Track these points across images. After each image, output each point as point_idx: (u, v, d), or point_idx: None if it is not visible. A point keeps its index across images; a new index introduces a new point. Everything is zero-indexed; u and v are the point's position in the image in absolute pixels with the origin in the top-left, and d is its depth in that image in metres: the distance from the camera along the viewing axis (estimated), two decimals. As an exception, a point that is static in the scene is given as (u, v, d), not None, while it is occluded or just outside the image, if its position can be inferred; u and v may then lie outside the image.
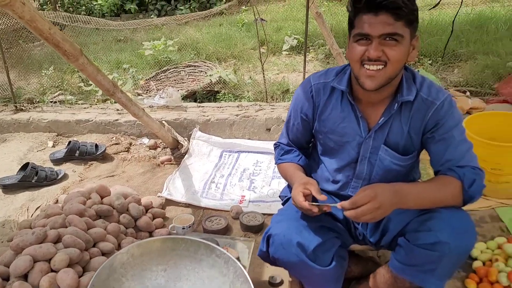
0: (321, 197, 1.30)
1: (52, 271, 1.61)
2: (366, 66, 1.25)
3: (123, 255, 1.42)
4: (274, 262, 1.49)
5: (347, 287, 1.66)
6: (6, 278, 1.59)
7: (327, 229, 1.43)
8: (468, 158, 1.33)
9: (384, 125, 1.39)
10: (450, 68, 4.16)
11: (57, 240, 1.74)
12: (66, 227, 1.82)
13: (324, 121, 1.49)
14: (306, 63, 3.23)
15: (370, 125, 1.42)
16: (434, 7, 2.77)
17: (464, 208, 1.33)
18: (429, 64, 4.15)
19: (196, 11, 6.33)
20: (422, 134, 1.39)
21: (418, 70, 3.07)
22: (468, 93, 3.19)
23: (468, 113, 2.94)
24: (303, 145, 1.65)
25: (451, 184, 1.29)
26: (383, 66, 1.24)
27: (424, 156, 1.48)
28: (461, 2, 2.74)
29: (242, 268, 1.37)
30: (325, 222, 1.45)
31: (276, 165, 1.69)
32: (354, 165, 1.49)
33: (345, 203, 1.22)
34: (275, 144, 1.72)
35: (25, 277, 1.58)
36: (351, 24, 1.29)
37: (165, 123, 2.94)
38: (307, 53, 4.75)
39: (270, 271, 1.87)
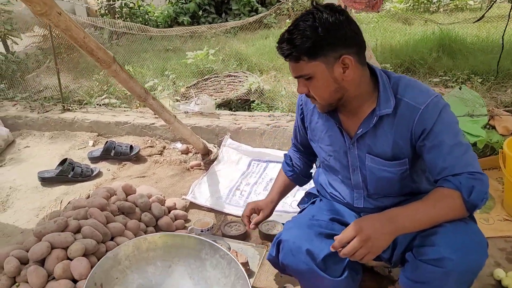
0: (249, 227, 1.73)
1: (68, 259, 1.68)
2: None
3: (128, 247, 1.45)
4: (283, 269, 1.46)
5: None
6: (26, 262, 1.67)
7: None
8: (464, 163, 1.22)
9: (365, 135, 1.36)
10: (503, 87, 3.91)
11: (77, 231, 1.82)
12: (87, 219, 1.89)
13: (314, 130, 1.53)
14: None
15: (352, 134, 1.40)
16: (479, 19, 2.63)
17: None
18: (479, 83, 3.93)
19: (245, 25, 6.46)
20: (412, 141, 1.31)
21: (460, 88, 2.92)
22: (516, 114, 2.97)
23: (514, 134, 2.74)
24: (305, 147, 1.73)
25: (448, 197, 1.19)
26: (313, 99, 1.33)
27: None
28: (509, 15, 2.56)
29: (243, 270, 1.36)
30: (339, 232, 1.39)
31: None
32: (349, 176, 1.47)
33: (335, 244, 1.20)
34: (290, 150, 1.86)
35: (42, 262, 1.66)
36: None
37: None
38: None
39: (284, 281, 1.83)
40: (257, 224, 1.76)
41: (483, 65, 4.16)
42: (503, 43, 2.59)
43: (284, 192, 1.82)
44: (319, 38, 1.19)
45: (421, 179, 1.43)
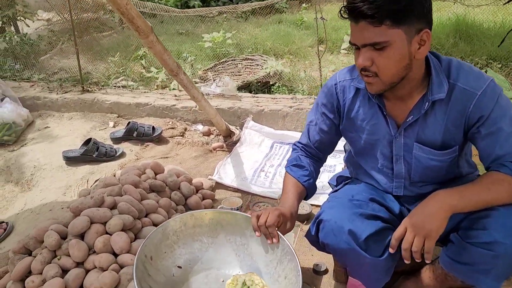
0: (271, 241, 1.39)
1: (107, 233, 1.69)
2: (362, 73, 1.20)
3: (176, 222, 1.45)
4: (322, 247, 1.46)
5: (396, 280, 1.59)
6: (64, 237, 1.69)
7: (380, 219, 1.37)
8: None
9: (415, 123, 1.30)
10: (523, 73, 3.89)
11: (113, 207, 1.82)
12: (122, 196, 1.90)
13: (352, 119, 1.42)
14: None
15: (399, 122, 1.33)
16: (509, 1, 2.59)
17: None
18: (498, 68, 3.90)
19: (256, 10, 6.40)
20: (465, 128, 1.27)
21: (486, 71, 2.89)
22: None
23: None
24: (326, 147, 1.56)
25: (505, 181, 1.17)
26: (373, 75, 1.17)
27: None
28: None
29: (290, 246, 1.36)
30: (379, 212, 1.39)
31: (285, 169, 1.59)
32: (391, 165, 1.41)
33: (392, 243, 1.23)
34: (296, 143, 1.62)
35: (81, 236, 1.67)
36: None
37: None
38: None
39: (314, 259, 1.84)
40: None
41: (501, 50, 4.13)
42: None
43: (300, 200, 1.54)
44: (409, 3, 1.09)
45: (464, 164, 1.42)
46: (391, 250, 1.23)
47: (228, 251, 1.49)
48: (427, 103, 1.25)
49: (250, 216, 1.44)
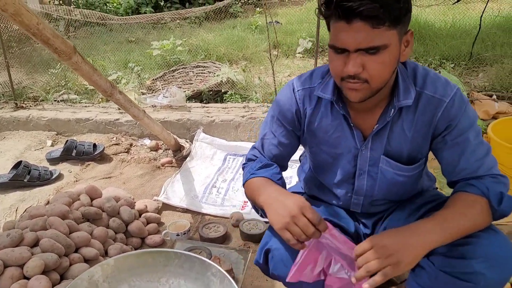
0: (322, 226, 1.04)
1: (25, 277, 1.45)
2: (347, 80, 1.04)
3: (108, 266, 1.24)
4: (274, 277, 1.30)
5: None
6: (-26, 284, 1.44)
7: None
8: (487, 165, 1.10)
9: (381, 133, 1.17)
10: (474, 72, 3.91)
11: (35, 244, 1.59)
12: (47, 229, 1.67)
13: (314, 132, 1.27)
14: (318, 66, 3.05)
15: (365, 133, 1.20)
16: (458, 1, 2.55)
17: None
18: (451, 68, 3.91)
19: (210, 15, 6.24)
20: (432, 138, 1.16)
21: (439, 71, 2.85)
22: (494, 97, 2.94)
23: (494, 117, 2.70)
24: (285, 162, 1.37)
25: (477, 205, 1.05)
26: (364, 82, 1.02)
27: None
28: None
29: None
30: None
31: (243, 184, 1.30)
32: (352, 180, 1.28)
33: (358, 263, 1.00)
34: (247, 161, 1.38)
35: (-7, 284, 1.43)
36: (329, 28, 1.05)
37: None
38: (320, 57, 4.59)
39: (269, 286, 1.68)
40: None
41: (453, 50, 4.16)
42: (480, 23, 2.51)
43: None
44: (407, 1, 0.97)
45: (424, 177, 1.31)
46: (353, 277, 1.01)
47: None
48: (392, 110, 1.13)
49: (193, 255, 1.27)
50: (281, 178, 1.27)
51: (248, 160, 1.37)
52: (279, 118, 1.28)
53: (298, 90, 1.24)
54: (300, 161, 1.60)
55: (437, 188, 1.43)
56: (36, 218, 1.73)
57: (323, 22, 3.50)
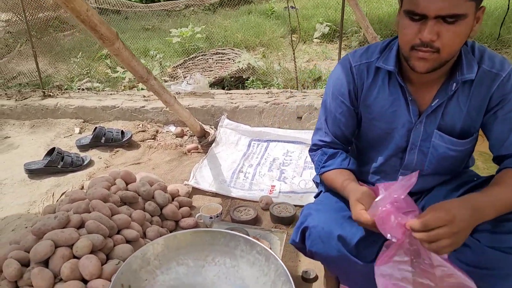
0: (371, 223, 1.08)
1: (74, 257, 1.53)
2: (417, 48, 1.06)
3: (158, 245, 1.30)
4: (310, 255, 1.36)
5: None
6: (26, 264, 1.52)
7: None
8: None
9: (438, 108, 1.20)
10: (501, 53, 3.88)
11: (80, 226, 1.66)
12: (90, 212, 1.74)
13: (369, 107, 1.28)
14: (342, 49, 3.06)
15: (421, 108, 1.23)
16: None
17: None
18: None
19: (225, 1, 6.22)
20: (485, 112, 1.20)
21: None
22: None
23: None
24: (348, 138, 1.39)
25: None
26: (434, 52, 1.04)
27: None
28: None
29: (284, 266, 1.24)
30: None
31: (319, 175, 1.38)
32: (401, 155, 1.30)
33: (415, 224, 0.99)
34: (313, 147, 1.42)
35: (45, 263, 1.51)
36: None
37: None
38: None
39: (303, 265, 1.75)
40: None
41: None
42: (509, 5, 2.49)
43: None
44: None
45: (472, 158, 1.36)
46: (408, 226, 1.01)
47: (218, 275, 1.35)
48: (454, 84, 1.16)
49: (237, 234, 1.32)
50: (349, 162, 1.33)
51: (314, 145, 1.42)
52: (338, 96, 1.31)
53: (355, 65, 1.27)
54: None
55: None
56: (78, 201, 1.80)
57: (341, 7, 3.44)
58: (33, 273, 1.43)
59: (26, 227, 2.09)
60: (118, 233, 1.73)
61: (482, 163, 2.33)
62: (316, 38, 4.65)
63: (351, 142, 1.43)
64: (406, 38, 1.07)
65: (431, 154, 1.26)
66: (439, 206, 1.01)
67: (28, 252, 1.53)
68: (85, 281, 1.47)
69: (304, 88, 3.20)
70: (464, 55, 1.15)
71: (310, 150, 1.44)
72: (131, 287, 1.20)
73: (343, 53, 4.08)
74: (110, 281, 1.44)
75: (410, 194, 1.38)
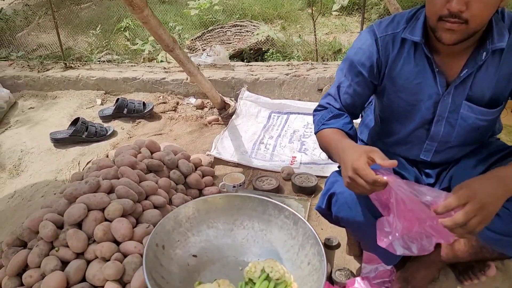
0: (390, 163, 0.99)
1: (106, 220, 1.59)
2: (445, 19, 1.03)
3: (189, 208, 1.35)
4: (336, 221, 1.38)
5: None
6: (60, 226, 1.58)
7: None
8: None
9: (467, 78, 1.17)
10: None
11: (110, 191, 1.71)
12: (118, 178, 1.79)
13: (394, 78, 1.26)
14: (359, 26, 3.01)
15: (448, 79, 1.20)
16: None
17: None
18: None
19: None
20: None
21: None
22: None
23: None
24: (357, 109, 1.37)
25: None
26: (462, 23, 1.01)
27: None
28: None
29: (312, 229, 1.27)
30: None
31: (315, 133, 1.33)
32: (427, 126, 1.28)
33: (439, 207, 0.96)
34: (318, 107, 1.39)
35: (79, 225, 1.57)
36: None
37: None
38: (359, 15, 4.50)
39: (326, 233, 1.78)
40: None
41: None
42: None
43: None
44: None
45: (497, 123, 1.34)
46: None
47: (246, 238, 1.39)
48: (484, 53, 1.12)
49: (266, 199, 1.35)
50: (352, 127, 1.30)
51: (320, 106, 1.38)
52: (357, 66, 1.28)
53: (380, 37, 1.24)
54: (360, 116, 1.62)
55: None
56: (107, 168, 1.85)
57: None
58: (69, 234, 1.49)
59: (55, 194, 2.16)
60: (146, 199, 1.78)
61: (505, 136, 2.31)
62: (334, 10, 4.57)
63: (357, 116, 1.41)
64: (434, 8, 1.04)
65: (459, 125, 1.25)
66: (459, 186, 0.99)
67: (62, 215, 1.59)
68: (117, 243, 1.52)
69: (324, 61, 3.17)
70: (494, 22, 1.11)
71: (315, 111, 1.39)
72: (164, 247, 1.25)
73: (365, 26, 4.01)
74: (142, 243, 1.51)
75: (437, 165, 1.39)
